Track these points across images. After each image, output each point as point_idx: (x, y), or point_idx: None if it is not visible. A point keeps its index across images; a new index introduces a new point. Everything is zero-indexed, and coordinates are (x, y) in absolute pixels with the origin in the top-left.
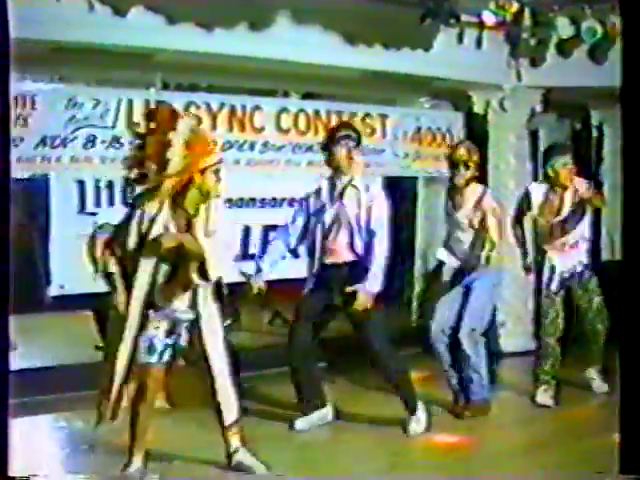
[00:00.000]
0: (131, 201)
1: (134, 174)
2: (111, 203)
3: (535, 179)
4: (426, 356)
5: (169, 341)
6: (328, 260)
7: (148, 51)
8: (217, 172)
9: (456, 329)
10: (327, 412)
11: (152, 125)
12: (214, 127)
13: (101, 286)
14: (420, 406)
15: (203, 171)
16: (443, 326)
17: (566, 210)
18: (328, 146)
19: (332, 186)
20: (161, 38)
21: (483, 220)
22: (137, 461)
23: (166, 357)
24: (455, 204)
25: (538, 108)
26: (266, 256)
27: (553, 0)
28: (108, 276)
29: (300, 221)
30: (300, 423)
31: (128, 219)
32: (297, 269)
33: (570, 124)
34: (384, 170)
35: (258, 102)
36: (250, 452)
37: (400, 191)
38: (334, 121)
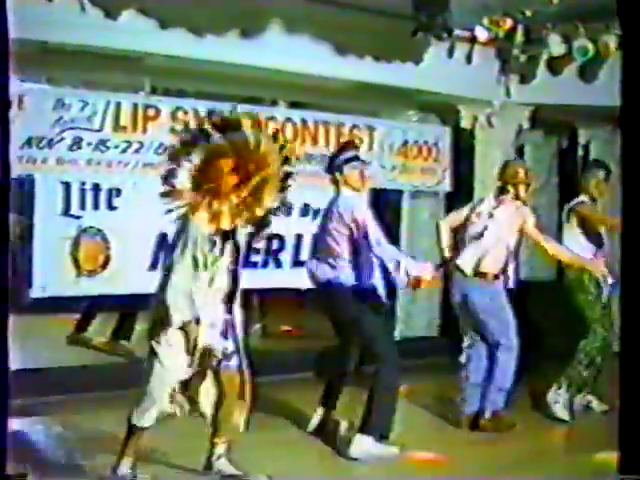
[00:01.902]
0: None
1: None
2: (96, 206)
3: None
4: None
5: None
6: None
7: (138, 55)
8: None
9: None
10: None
11: None
12: None
13: (83, 289)
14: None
15: None
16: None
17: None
18: (340, 168)
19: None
20: (152, 42)
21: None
22: (127, 463)
23: None
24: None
25: (525, 125)
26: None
27: (547, 17)
28: None
29: None
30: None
31: None
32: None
33: (557, 142)
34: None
35: (245, 110)
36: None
37: (385, 203)
38: (321, 131)
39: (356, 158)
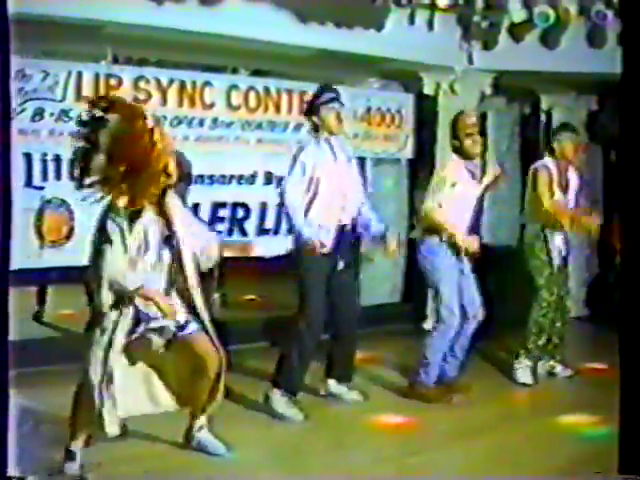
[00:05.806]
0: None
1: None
2: (58, 177)
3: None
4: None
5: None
6: (345, 221)
7: (99, 24)
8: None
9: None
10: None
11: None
12: (164, 102)
13: (46, 261)
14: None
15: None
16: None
17: (573, 185)
18: (317, 110)
19: (331, 147)
20: (112, 11)
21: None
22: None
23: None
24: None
25: (488, 91)
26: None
27: None
28: None
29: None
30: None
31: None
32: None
33: (519, 108)
34: None
35: (209, 78)
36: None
37: None
38: (284, 99)
39: (333, 100)
